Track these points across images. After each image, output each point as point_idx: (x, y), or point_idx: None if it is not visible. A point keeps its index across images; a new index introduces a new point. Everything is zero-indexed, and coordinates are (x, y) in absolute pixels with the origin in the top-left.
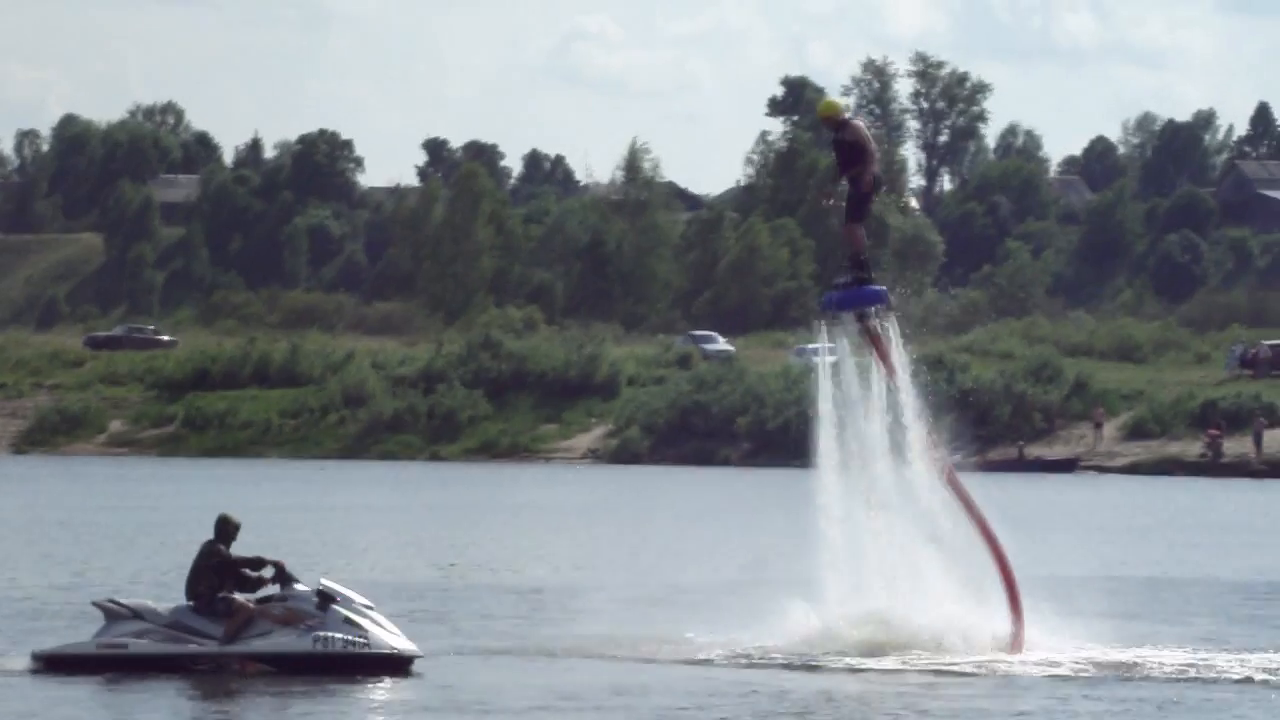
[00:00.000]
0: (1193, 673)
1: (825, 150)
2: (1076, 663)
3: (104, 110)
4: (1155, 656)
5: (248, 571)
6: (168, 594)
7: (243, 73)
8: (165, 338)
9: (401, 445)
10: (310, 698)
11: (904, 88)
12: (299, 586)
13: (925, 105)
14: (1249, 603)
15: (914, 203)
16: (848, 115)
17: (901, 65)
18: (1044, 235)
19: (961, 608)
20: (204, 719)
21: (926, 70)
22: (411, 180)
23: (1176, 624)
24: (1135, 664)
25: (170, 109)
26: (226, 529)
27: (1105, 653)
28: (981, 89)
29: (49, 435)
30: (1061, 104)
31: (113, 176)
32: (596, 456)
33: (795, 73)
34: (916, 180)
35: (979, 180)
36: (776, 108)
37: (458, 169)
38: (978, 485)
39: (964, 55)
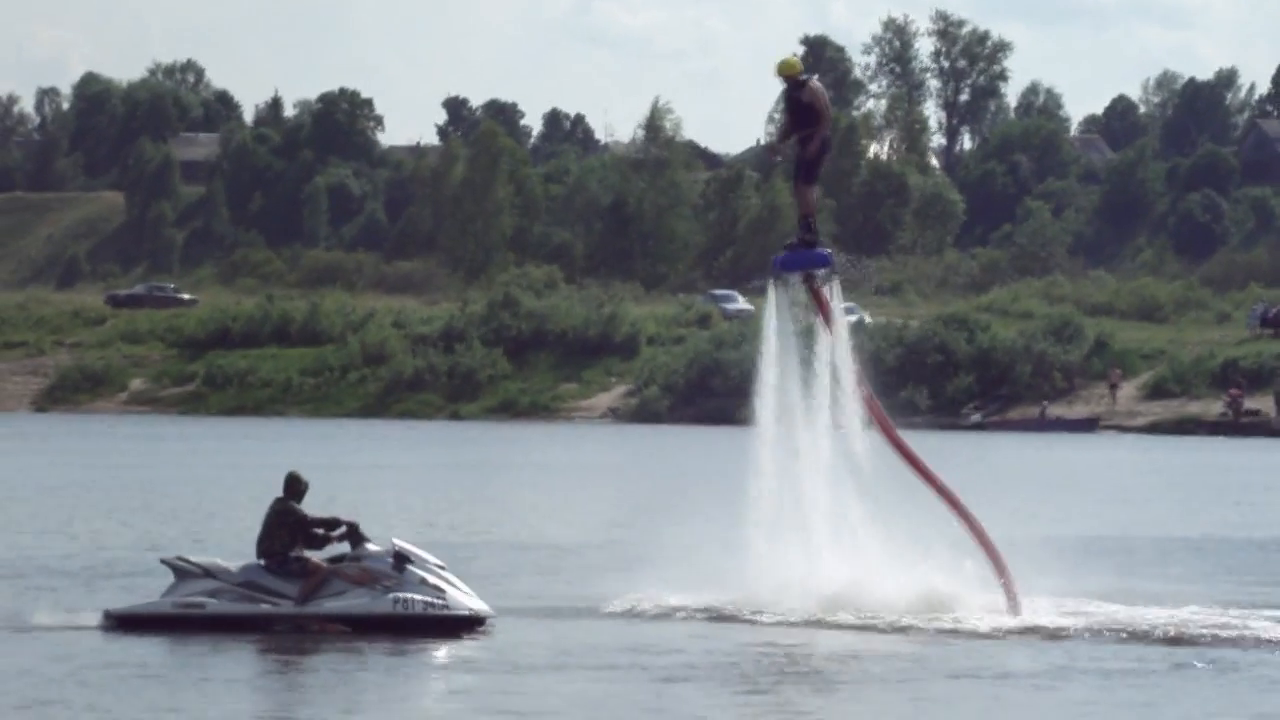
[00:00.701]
0: (1202, 632)
1: (841, 110)
2: (1078, 621)
3: (125, 69)
4: (1159, 616)
5: (319, 531)
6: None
7: (263, 31)
8: (186, 296)
9: (421, 404)
10: (377, 658)
11: (925, 46)
12: (371, 546)
13: (946, 64)
14: (1258, 561)
15: (934, 161)
16: (806, 76)
17: (922, 24)
18: (1065, 194)
19: (922, 571)
20: (283, 676)
21: (947, 29)
22: (432, 139)
23: (1184, 583)
24: (1138, 623)
25: (191, 67)
26: (297, 487)
27: (1106, 612)
28: (1002, 48)
29: (70, 393)
30: (1082, 63)
31: (133, 135)
32: (616, 416)
33: (816, 31)
34: (937, 139)
35: (999, 139)
36: None
37: (478, 128)
38: (998, 445)
39: (985, 14)
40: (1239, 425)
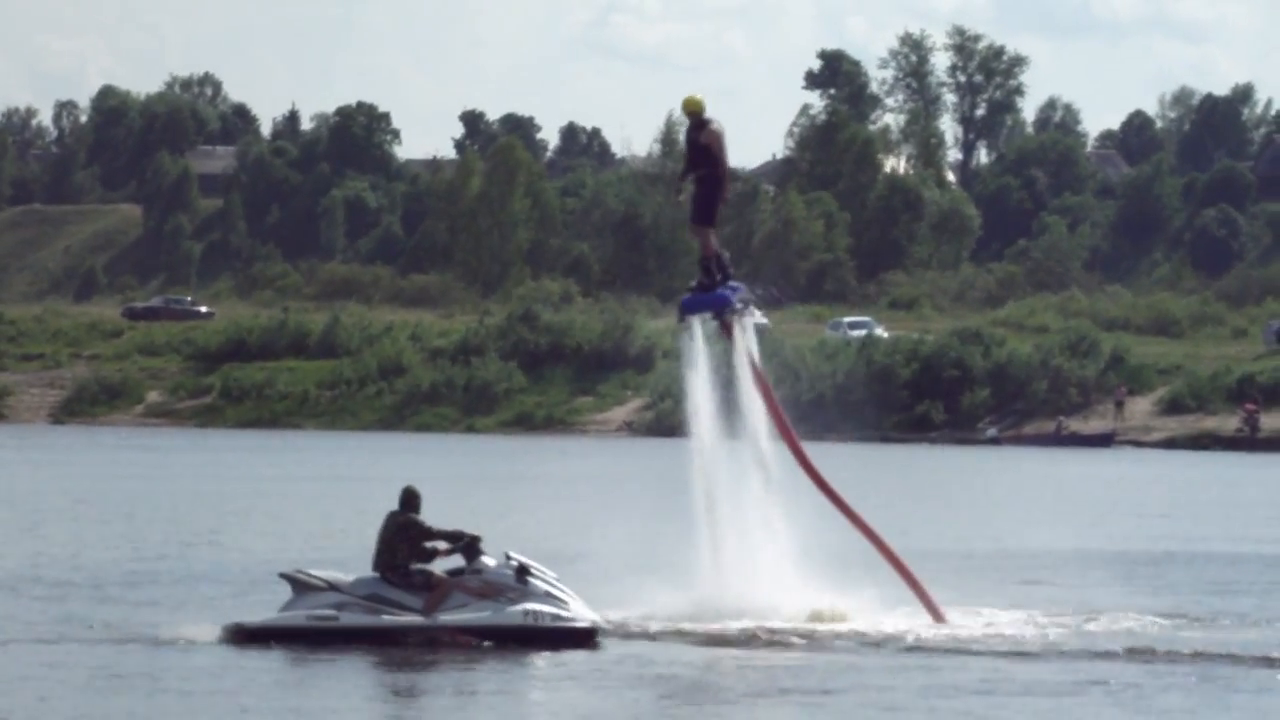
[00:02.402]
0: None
1: (857, 124)
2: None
3: (142, 81)
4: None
5: (437, 544)
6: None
7: (280, 44)
8: (203, 309)
9: (438, 417)
10: (488, 670)
11: (941, 61)
12: (487, 559)
13: (962, 79)
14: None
15: (951, 176)
16: (709, 118)
17: (939, 39)
18: (1081, 209)
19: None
20: (416, 687)
21: (964, 44)
22: (448, 153)
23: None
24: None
25: (208, 80)
26: (416, 501)
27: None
28: (1019, 62)
29: (87, 406)
30: (1099, 78)
31: (151, 148)
32: (631, 429)
33: (833, 45)
34: (953, 154)
35: (1016, 154)
36: (813, 81)
37: (495, 141)
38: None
39: (1002, 29)
40: (1255, 440)
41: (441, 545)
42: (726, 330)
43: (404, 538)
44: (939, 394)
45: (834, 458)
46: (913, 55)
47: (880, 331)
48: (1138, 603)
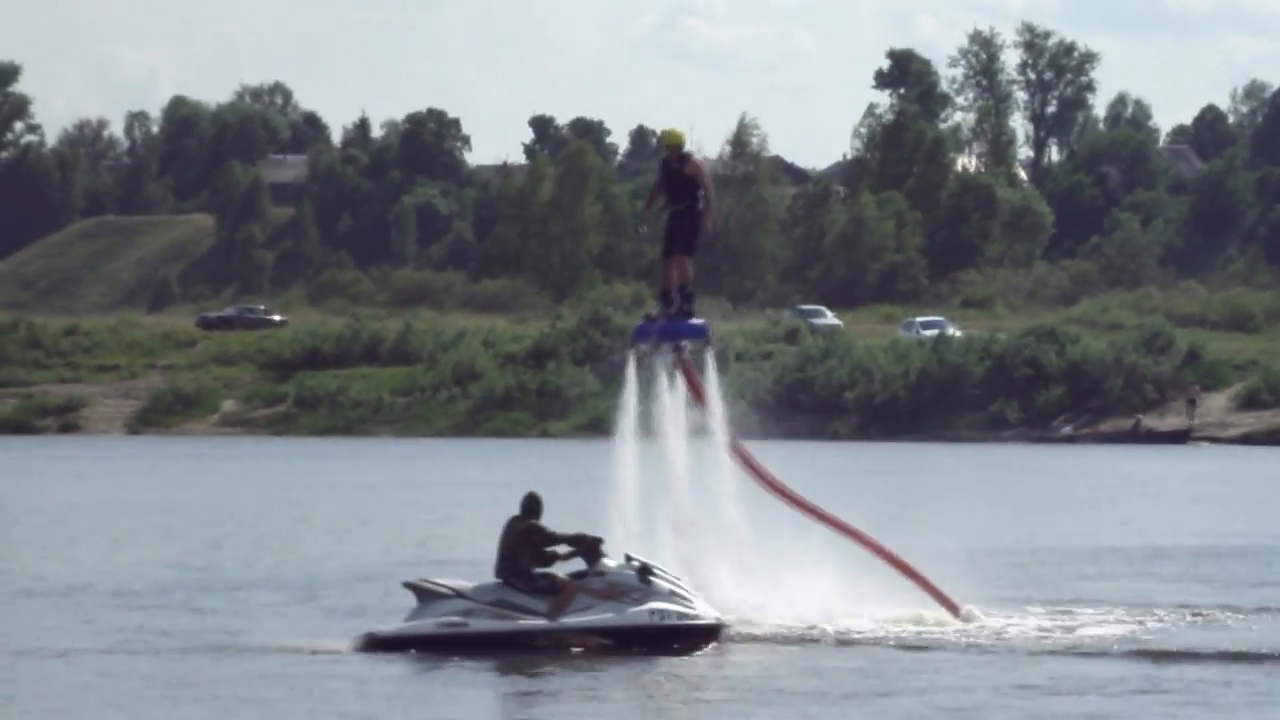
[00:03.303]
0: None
1: (928, 123)
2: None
3: (213, 91)
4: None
5: (558, 549)
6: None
7: (350, 52)
8: (276, 317)
9: (511, 422)
10: (610, 672)
11: (1011, 58)
12: (608, 561)
13: (1033, 76)
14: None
15: (1022, 174)
16: (689, 150)
17: (1008, 36)
18: (1154, 205)
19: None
20: (544, 690)
21: (1034, 40)
22: (518, 158)
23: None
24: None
25: (279, 89)
26: (538, 506)
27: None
28: (1089, 58)
29: (162, 416)
30: (1171, 73)
31: (222, 157)
32: (705, 432)
33: (902, 45)
34: (1025, 152)
35: (1088, 151)
36: (883, 80)
37: (565, 146)
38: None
39: (1072, 25)
40: None
41: (562, 549)
42: (682, 369)
43: (526, 543)
44: (1013, 393)
45: (907, 458)
46: (982, 53)
47: (953, 331)
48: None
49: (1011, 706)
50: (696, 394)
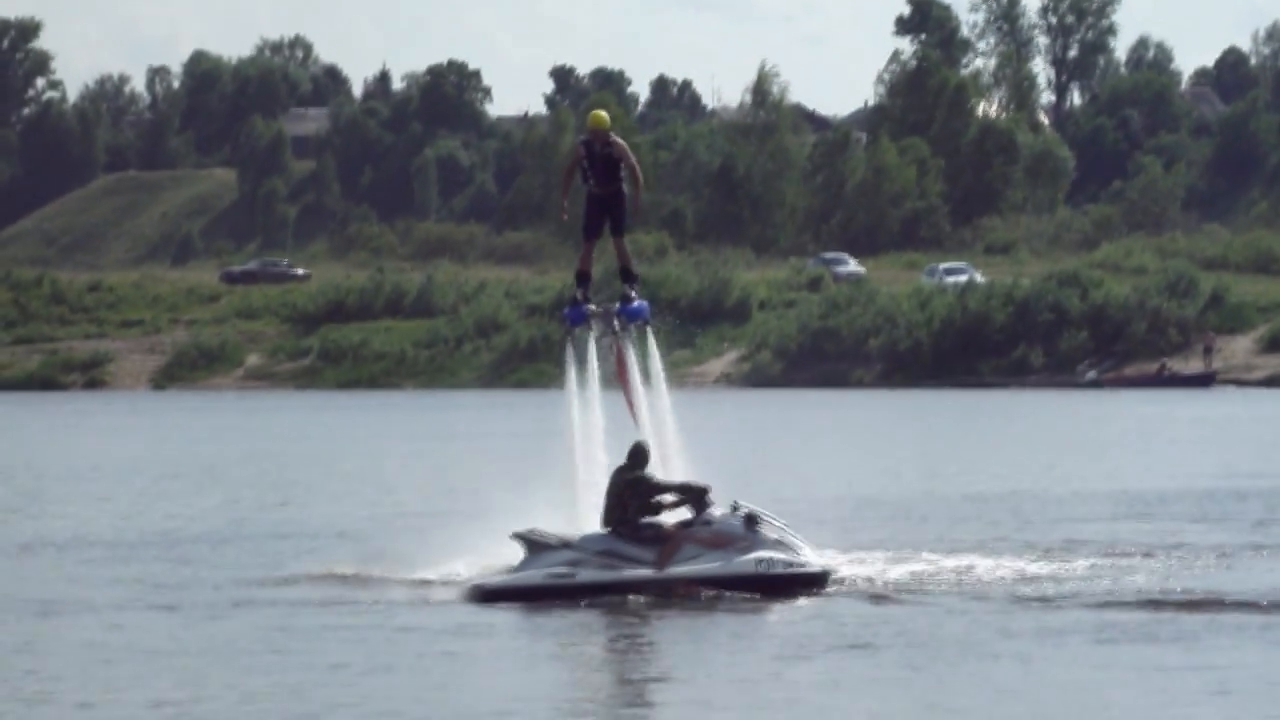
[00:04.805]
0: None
1: (949, 69)
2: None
3: (233, 46)
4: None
5: (664, 498)
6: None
7: (370, 4)
8: (299, 271)
9: (536, 373)
10: (723, 620)
11: (1032, 3)
12: (714, 510)
13: (1054, 20)
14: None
15: (1044, 119)
16: (610, 132)
17: None
18: (1176, 148)
19: None
20: (657, 640)
21: None
22: (540, 109)
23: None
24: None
25: (299, 43)
26: (645, 457)
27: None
28: (1110, 2)
29: (187, 371)
30: (1192, 15)
31: (243, 112)
32: (729, 381)
33: None
34: (1046, 96)
35: (1109, 95)
36: (904, 27)
37: (586, 97)
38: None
39: None
40: None
41: (669, 498)
42: (616, 356)
43: (634, 493)
44: (1037, 339)
45: (934, 404)
46: None
47: (977, 277)
48: None
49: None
50: (627, 388)
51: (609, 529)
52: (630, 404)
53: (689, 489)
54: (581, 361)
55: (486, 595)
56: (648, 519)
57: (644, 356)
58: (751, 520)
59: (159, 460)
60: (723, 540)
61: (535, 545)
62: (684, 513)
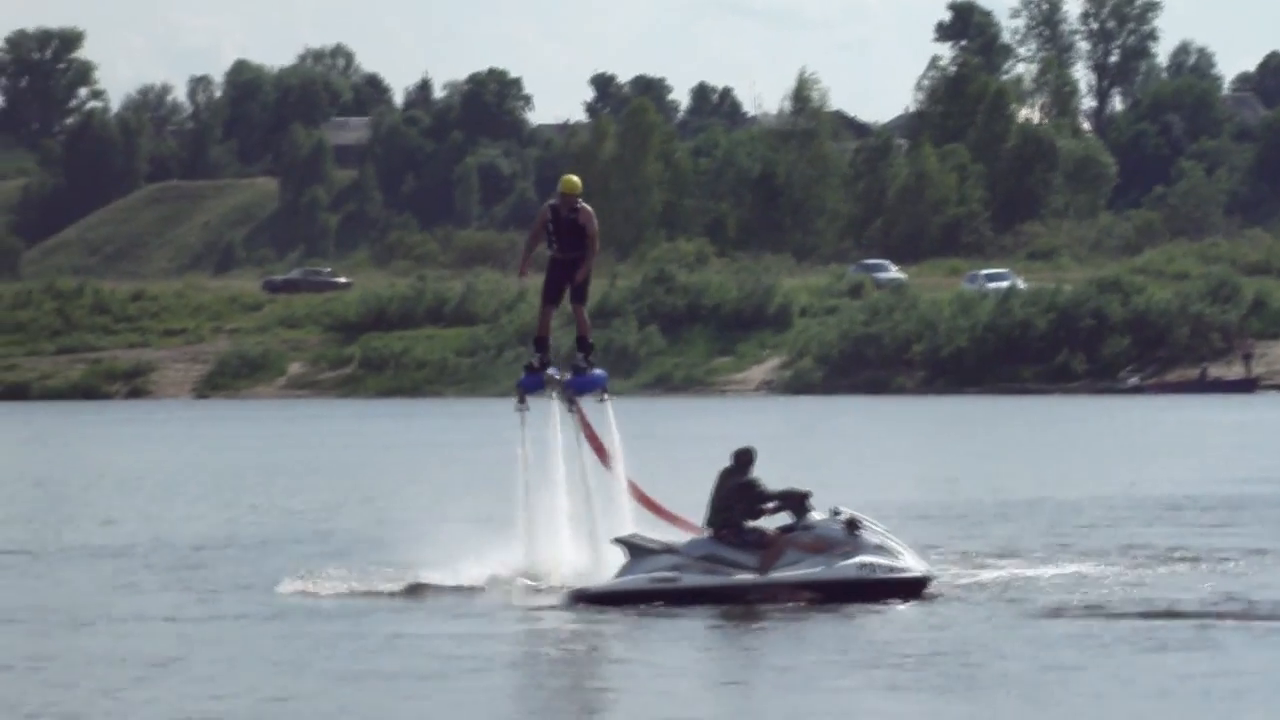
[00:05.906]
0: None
1: (990, 75)
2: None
3: (275, 55)
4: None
5: (767, 504)
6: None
7: (410, 13)
8: (341, 279)
9: None
10: (825, 625)
11: (1073, 8)
12: (815, 515)
13: (1095, 25)
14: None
15: (1085, 124)
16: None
17: None
18: (1218, 153)
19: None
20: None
21: None
22: (580, 117)
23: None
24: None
25: (340, 52)
26: (751, 460)
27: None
28: (1152, 7)
29: (230, 379)
30: (1234, 20)
31: (285, 121)
32: (770, 388)
33: None
34: (1088, 102)
35: (1151, 100)
36: (944, 33)
37: (626, 104)
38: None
39: None
40: None
41: (770, 505)
42: (585, 427)
43: (740, 497)
44: (1078, 344)
45: (978, 411)
46: (1044, 3)
47: (1019, 283)
48: None
49: None
50: (600, 452)
51: (712, 529)
52: (601, 458)
53: (790, 494)
54: (539, 431)
55: (589, 600)
56: (751, 523)
57: (603, 427)
58: (852, 525)
59: (202, 468)
60: (824, 545)
61: (638, 550)
62: (783, 518)
